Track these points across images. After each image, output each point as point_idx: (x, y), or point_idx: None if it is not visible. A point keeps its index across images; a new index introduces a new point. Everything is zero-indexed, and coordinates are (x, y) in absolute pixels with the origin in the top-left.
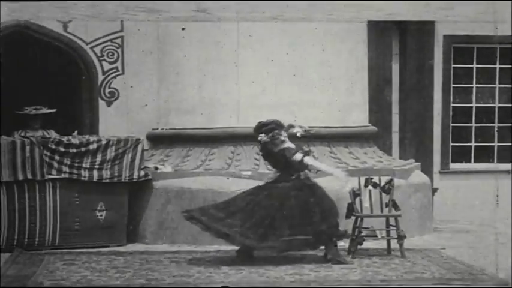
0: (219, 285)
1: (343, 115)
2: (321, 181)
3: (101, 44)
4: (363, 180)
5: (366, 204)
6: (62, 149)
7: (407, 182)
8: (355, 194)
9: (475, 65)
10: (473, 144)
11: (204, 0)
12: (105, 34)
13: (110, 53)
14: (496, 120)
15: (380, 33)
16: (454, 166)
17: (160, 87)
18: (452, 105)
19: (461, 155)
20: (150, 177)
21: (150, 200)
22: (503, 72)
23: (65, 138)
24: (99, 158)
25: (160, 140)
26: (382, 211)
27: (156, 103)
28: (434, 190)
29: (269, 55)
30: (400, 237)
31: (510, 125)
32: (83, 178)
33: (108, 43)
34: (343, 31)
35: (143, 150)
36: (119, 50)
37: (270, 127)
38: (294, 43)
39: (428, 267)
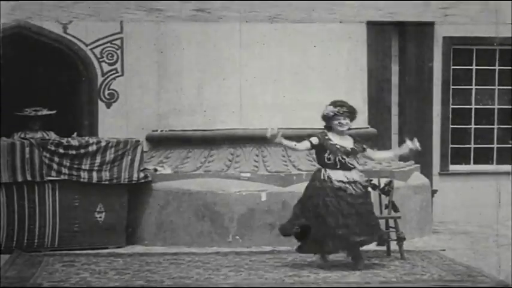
0: (219, 287)
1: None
2: None
3: (100, 45)
4: None
5: None
6: (61, 151)
7: (406, 183)
8: None
9: (474, 67)
10: (472, 145)
11: (204, 0)
12: (105, 35)
13: (110, 55)
14: (496, 122)
15: (379, 34)
16: (453, 168)
17: (159, 89)
18: (451, 106)
19: (461, 157)
20: (149, 178)
21: (150, 201)
22: (502, 74)
23: (64, 140)
24: (98, 159)
25: (160, 142)
26: (381, 213)
27: (156, 105)
28: (434, 192)
29: (269, 56)
30: (400, 239)
31: (510, 126)
32: (82, 180)
33: (108, 44)
34: (343, 32)
35: (142, 152)
36: (119, 52)
37: None
38: (294, 44)
39: (428, 269)
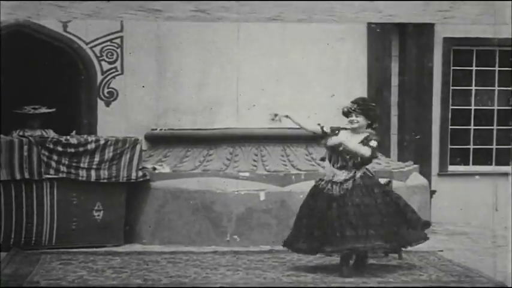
0: (216, 286)
1: (342, 117)
2: None
3: (100, 44)
4: None
5: None
6: (60, 149)
7: (405, 184)
8: None
9: (474, 68)
10: (471, 146)
11: (204, 0)
12: (105, 34)
13: (109, 53)
14: (495, 123)
15: (379, 35)
16: (452, 168)
17: (159, 88)
18: (451, 107)
19: (460, 158)
20: (148, 177)
21: (148, 200)
22: (502, 75)
23: (63, 138)
24: (97, 158)
25: (159, 141)
26: None
27: (155, 103)
28: (433, 192)
29: (268, 56)
30: None
31: (509, 127)
32: (80, 178)
33: (108, 43)
34: (343, 33)
35: (141, 151)
36: (119, 50)
37: None
38: (293, 44)
39: (426, 270)
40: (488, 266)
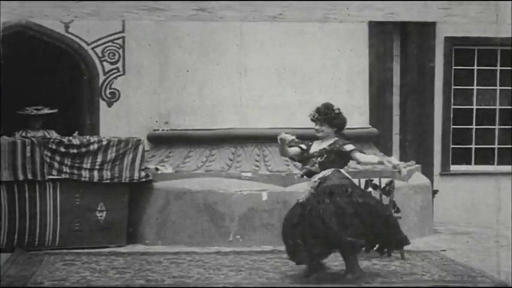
0: (219, 287)
1: None
2: None
3: (102, 44)
4: (363, 182)
5: None
6: (62, 150)
7: (407, 184)
8: None
9: (475, 67)
10: (473, 146)
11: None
12: (107, 35)
13: (111, 54)
14: (497, 122)
15: (381, 34)
16: (454, 168)
17: (161, 88)
18: (453, 107)
19: (462, 157)
20: (150, 178)
21: (151, 200)
22: (504, 74)
23: (65, 139)
24: (99, 158)
25: (161, 141)
26: None
27: (157, 104)
28: (435, 192)
29: (270, 56)
30: None
31: (511, 127)
32: (83, 179)
33: (110, 44)
34: (344, 32)
35: (144, 151)
36: (120, 51)
37: None
38: (295, 44)
39: (428, 269)
40: (491, 266)
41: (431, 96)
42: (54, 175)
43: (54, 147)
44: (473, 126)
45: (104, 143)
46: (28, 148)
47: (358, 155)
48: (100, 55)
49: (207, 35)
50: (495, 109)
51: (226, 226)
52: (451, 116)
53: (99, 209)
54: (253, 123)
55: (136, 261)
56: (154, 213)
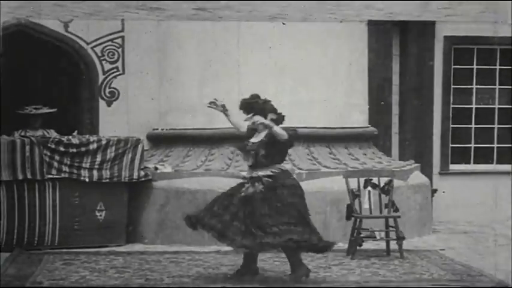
0: (218, 286)
1: (343, 116)
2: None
3: (101, 43)
4: (362, 181)
5: (365, 205)
6: (62, 149)
7: (406, 183)
8: (354, 195)
9: (475, 66)
10: (472, 145)
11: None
12: (106, 34)
13: (111, 53)
14: (496, 122)
15: (380, 34)
16: (453, 167)
17: (160, 87)
18: (452, 106)
19: (461, 156)
20: (149, 177)
21: (150, 200)
22: (503, 74)
23: (65, 138)
24: (99, 158)
25: (160, 140)
26: (381, 212)
27: (157, 103)
28: (434, 191)
29: (269, 55)
30: (399, 238)
31: (510, 126)
32: (82, 178)
33: (109, 43)
34: (344, 31)
35: (143, 151)
36: (120, 50)
37: None
38: (294, 43)
39: (427, 268)
40: (490, 265)
41: (431, 95)
42: (53, 174)
43: (53, 146)
44: (473, 125)
45: (103, 142)
46: (27, 147)
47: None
48: (99, 54)
49: (206, 35)
50: (494, 108)
51: None
52: (450, 115)
53: (98, 208)
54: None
55: (136, 260)
56: (154, 212)
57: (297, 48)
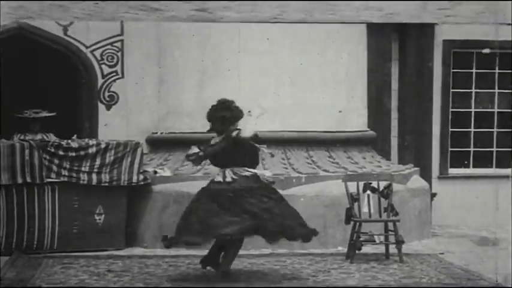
0: (218, 286)
1: (342, 119)
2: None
3: (100, 47)
4: (361, 185)
5: (365, 209)
6: (61, 153)
7: (406, 186)
8: (353, 198)
9: (474, 70)
10: (472, 149)
11: (204, 0)
12: (105, 37)
13: (110, 57)
14: (495, 125)
15: (379, 37)
16: (452, 171)
17: (159, 91)
18: (451, 110)
19: (460, 160)
20: (149, 181)
21: (149, 204)
22: (502, 77)
23: (64, 142)
24: (98, 161)
25: (160, 144)
26: (380, 216)
27: (156, 107)
28: (433, 195)
29: (269, 58)
30: (399, 242)
31: (509, 130)
32: (82, 182)
33: (108, 47)
34: (343, 34)
35: (142, 154)
36: (119, 54)
37: None
38: (294, 45)
39: (427, 272)
40: (489, 269)
41: (430, 99)
42: (52, 178)
43: (52, 150)
44: (472, 129)
45: (103, 146)
46: (27, 151)
47: None
48: (99, 58)
49: (205, 37)
50: (493, 112)
51: None
52: (450, 118)
53: (97, 212)
54: (252, 126)
55: (135, 264)
56: (153, 216)
57: (296, 51)
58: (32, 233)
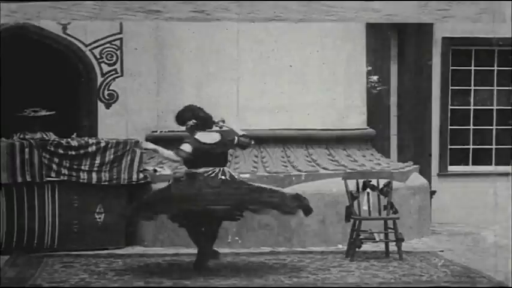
0: (218, 286)
1: (341, 117)
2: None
3: (100, 46)
4: (361, 183)
5: (364, 207)
6: (61, 151)
7: (405, 184)
8: (353, 196)
9: (473, 67)
10: (471, 146)
11: (204, 0)
12: (104, 36)
13: (109, 55)
14: (494, 123)
15: (378, 35)
16: (452, 169)
17: (159, 90)
18: (450, 107)
19: (460, 158)
20: (148, 179)
21: None
22: (501, 75)
23: (64, 141)
24: (98, 160)
25: (159, 142)
26: (380, 214)
27: (155, 105)
28: (433, 193)
29: (268, 57)
30: (398, 240)
31: (508, 127)
32: (81, 180)
33: (108, 45)
34: (342, 33)
35: (142, 153)
36: (118, 52)
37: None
38: (292, 44)
39: (427, 270)
40: (489, 266)
41: (429, 96)
42: (52, 177)
43: (52, 149)
44: (471, 127)
45: (102, 144)
46: (26, 150)
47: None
48: (98, 57)
49: (204, 36)
50: (493, 109)
51: (225, 227)
52: (449, 116)
53: (97, 210)
54: (251, 125)
55: (135, 263)
56: None
57: (295, 50)
58: (32, 232)
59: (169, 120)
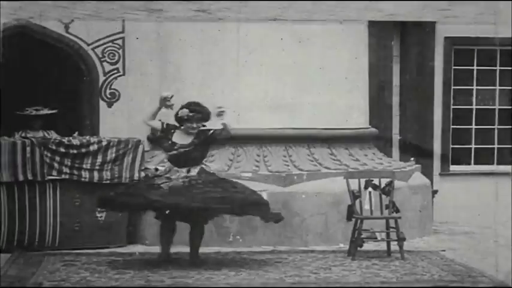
0: (219, 287)
1: (343, 117)
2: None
3: (102, 45)
4: (363, 182)
5: (366, 206)
6: (62, 150)
7: (407, 184)
8: (355, 196)
9: (475, 67)
10: (473, 146)
11: (205, 0)
12: (107, 35)
13: (111, 54)
14: (496, 122)
15: (380, 34)
16: (454, 168)
17: (161, 89)
18: (452, 107)
19: (462, 157)
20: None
21: None
22: (503, 74)
23: (65, 139)
24: (99, 159)
25: None
26: (382, 213)
27: (157, 104)
28: (434, 192)
29: (269, 56)
30: (400, 239)
31: (510, 127)
32: (83, 179)
33: (110, 44)
34: (344, 32)
35: (144, 152)
36: (120, 51)
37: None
38: (294, 44)
39: (428, 269)
40: (491, 266)
41: (431, 96)
42: (54, 175)
43: (54, 147)
44: (473, 126)
45: (104, 143)
46: (28, 149)
47: None
48: (100, 55)
49: (206, 36)
50: (494, 109)
51: (226, 226)
52: (451, 116)
53: (99, 209)
54: (253, 124)
55: (136, 261)
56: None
57: (297, 49)
58: (33, 231)
59: (170, 119)
